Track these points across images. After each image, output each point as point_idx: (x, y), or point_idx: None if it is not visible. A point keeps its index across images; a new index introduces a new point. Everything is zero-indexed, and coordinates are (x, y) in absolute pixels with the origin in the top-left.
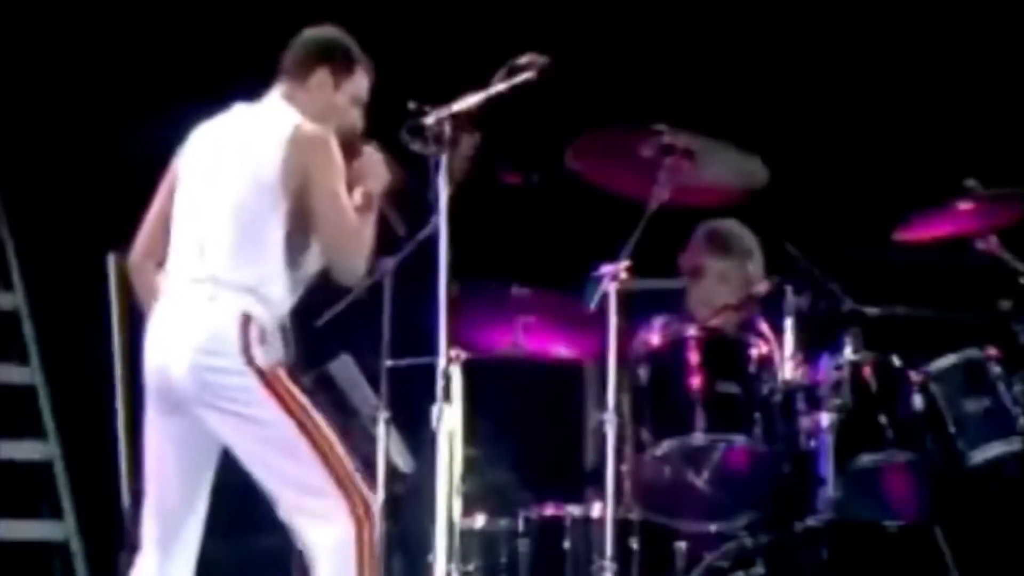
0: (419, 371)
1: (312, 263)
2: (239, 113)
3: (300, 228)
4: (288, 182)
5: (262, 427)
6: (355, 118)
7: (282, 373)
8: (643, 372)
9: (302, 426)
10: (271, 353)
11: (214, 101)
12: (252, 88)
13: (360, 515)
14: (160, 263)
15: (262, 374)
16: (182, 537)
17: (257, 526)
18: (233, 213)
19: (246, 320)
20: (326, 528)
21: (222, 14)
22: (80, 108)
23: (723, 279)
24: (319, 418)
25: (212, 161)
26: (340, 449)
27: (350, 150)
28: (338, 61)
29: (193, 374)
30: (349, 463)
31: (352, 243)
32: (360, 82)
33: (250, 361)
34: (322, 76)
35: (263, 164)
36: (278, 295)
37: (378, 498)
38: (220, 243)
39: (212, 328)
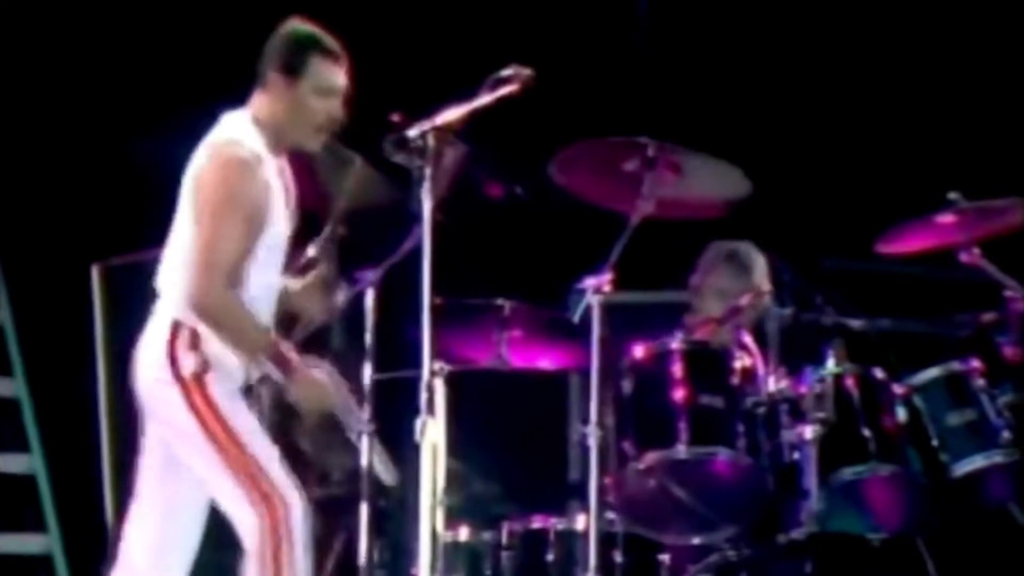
0: (403, 384)
1: (257, 280)
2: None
3: None
4: (195, 206)
5: (185, 438)
6: (326, 109)
7: (209, 379)
8: (627, 384)
9: (213, 436)
10: (196, 359)
11: (199, 118)
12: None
13: (275, 519)
14: None
15: (183, 383)
16: (160, 549)
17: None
18: (177, 232)
19: (176, 327)
20: (247, 535)
21: (209, 29)
22: (63, 122)
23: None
24: (237, 423)
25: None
26: (258, 453)
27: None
28: (286, 56)
29: (143, 388)
30: (267, 465)
31: (203, 268)
32: (319, 71)
33: (175, 370)
34: (273, 77)
35: (188, 189)
36: None
37: (299, 502)
38: (170, 261)
39: (151, 341)
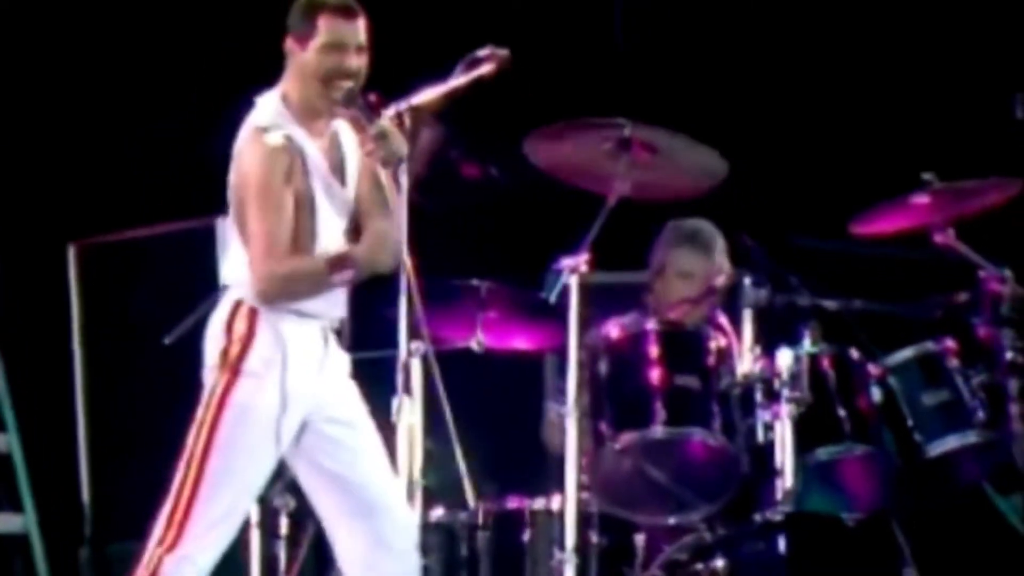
0: (380, 364)
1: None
2: None
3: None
4: (235, 193)
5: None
6: (334, 64)
7: (243, 383)
8: (602, 365)
9: (195, 437)
10: (246, 325)
11: (174, 98)
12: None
13: (162, 557)
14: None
15: (221, 370)
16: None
17: None
18: (230, 219)
19: (237, 304)
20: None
21: (186, 17)
22: (38, 101)
23: (708, 277)
24: (226, 446)
25: None
26: (212, 487)
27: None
28: (296, 23)
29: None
30: (206, 505)
31: (259, 260)
32: (326, 28)
33: (228, 337)
34: (289, 46)
35: (231, 177)
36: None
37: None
38: (229, 250)
39: (211, 324)
